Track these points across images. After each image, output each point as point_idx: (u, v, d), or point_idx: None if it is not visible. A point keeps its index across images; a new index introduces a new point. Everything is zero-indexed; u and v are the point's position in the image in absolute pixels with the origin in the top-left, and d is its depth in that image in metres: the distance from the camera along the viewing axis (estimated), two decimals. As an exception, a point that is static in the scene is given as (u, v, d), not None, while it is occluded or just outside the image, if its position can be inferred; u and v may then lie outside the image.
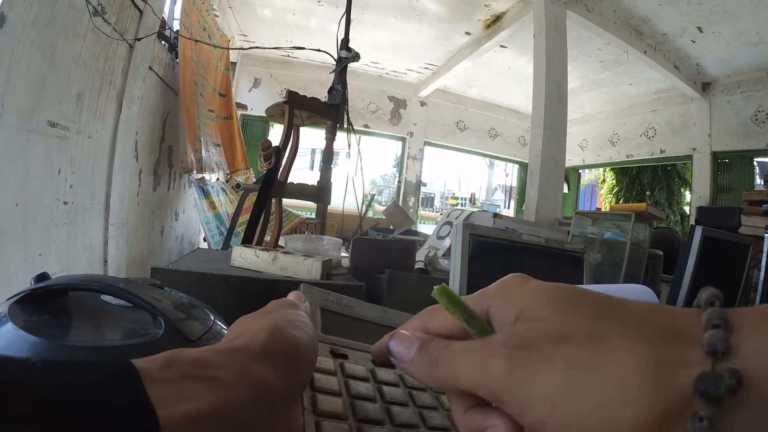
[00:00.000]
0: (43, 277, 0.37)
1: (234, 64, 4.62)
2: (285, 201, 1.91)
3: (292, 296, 0.28)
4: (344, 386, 0.27)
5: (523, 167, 6.31)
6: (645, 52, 3.77)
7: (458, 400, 0.19)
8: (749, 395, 0.13)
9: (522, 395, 0.16)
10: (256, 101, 4.76)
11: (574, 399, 0.15)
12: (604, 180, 7.34)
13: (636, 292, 0.69)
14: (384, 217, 2.96)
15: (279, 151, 1.62)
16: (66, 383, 0.13)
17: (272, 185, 1.62)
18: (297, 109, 1.69)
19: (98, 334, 0.35)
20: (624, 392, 0.14)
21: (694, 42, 3.68)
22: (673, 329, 0.15)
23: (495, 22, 3.88)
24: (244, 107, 4.35)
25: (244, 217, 2.15)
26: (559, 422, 0.15)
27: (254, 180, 3.28)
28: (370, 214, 3.23)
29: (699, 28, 3.45)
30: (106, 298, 0.40)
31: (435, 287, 0.19)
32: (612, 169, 6.89)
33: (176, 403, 0.15)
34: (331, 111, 1.74)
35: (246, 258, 0.85)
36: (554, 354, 0.16)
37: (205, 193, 2.82)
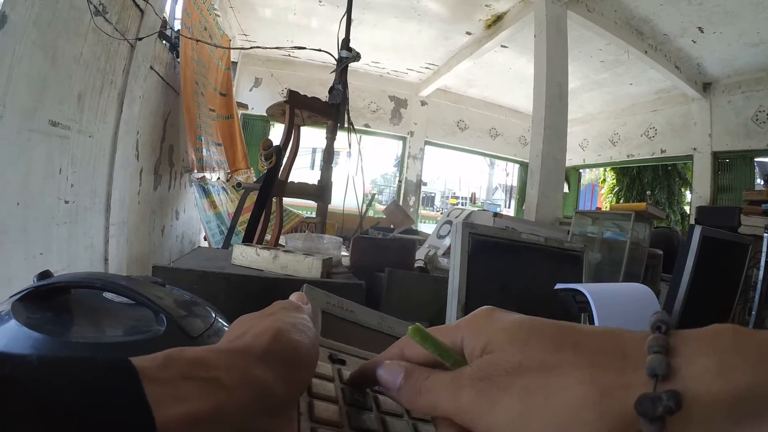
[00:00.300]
0: (45, 274, 0.38)
1: (235, 63, 4.62)
2: (285, 200, 1.91)
3: (294, 297, 0.28)
4: (341, 393, 0.26)
5: (524, 167, 6.31)
6: (646, 52, 3.76)
7: (445, 429, 0.20)
8: (693, 414, 0.14)
9: (486, 422, 0.18)
10: (256, 101, 4.76)
11: (530, 425, 0.16)
12: (604, 179, 7.34)
13: (635, 291, 0.69)
14: (384, 216, 2.96)
15: (280, 150, 1.62)
16: (63, 381, 0.13)
17: (273, 184, 1.62)
18: (298, 108, 1.69)
19: (100, 331, 0.36)
20: (575, 417, 0.16)
21: (694, 42, 3.68)
22: (620, 355, 0.17)
23: (496, 22, 3.87)
24: (245, 107, 4.35)
25: (245, 216, 2.16)
26: None
27: (255, 179, 3.28)
28: (370, 213, 3.23)
29: (700, 28, 3.45)
30: (107, 295, 0.40)
31: (409, 327, 0.21)
32: (612, 169, 6.89)
33: (174, 404, 0.14)
34: (332, 110, 1.74)
35: (247, 256, 0.85)
36: (511, 384, 0.18)
37: (205, 192, 2.82)
